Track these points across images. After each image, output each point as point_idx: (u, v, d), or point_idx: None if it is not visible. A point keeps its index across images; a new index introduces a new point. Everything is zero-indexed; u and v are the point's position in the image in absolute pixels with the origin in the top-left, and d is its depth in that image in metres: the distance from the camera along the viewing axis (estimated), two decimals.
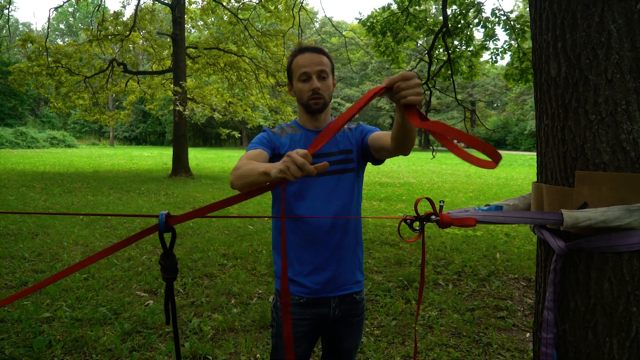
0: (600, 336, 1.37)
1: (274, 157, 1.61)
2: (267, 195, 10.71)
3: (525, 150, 42.96)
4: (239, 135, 17.38)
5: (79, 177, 13.98)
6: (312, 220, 1.57)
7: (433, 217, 1.39)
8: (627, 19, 1.29)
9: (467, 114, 7.22)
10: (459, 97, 8.30)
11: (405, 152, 1.46)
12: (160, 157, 27.20)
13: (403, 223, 1.48)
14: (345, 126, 1.73)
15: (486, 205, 1.56)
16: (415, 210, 1.41)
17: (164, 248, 1.50)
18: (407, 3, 7.31)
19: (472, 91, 47.70)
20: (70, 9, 53.94)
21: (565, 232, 1.41)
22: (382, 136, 1.57)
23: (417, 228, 1.42)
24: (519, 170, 21.93)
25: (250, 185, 1.27)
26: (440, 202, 1.42)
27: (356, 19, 8.37)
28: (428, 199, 1.43)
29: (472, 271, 4.68)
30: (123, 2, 16.76)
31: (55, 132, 41.17)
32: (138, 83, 17.09)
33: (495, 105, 57.63)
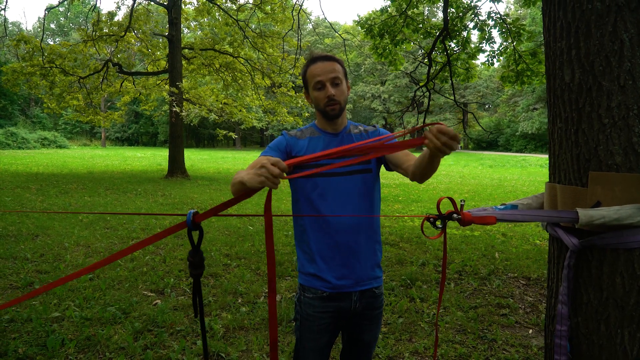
0: (612, 328, 1.45)
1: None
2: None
3: (517, 151, 43.34)
4: (236, 136, 17.40)
5: (74, 178, 13.91)
6: (334, 219, 1.64)
7: (455, 215, 1.46)
8: (639, 29, 1.37)
9: (465, 116, 7.31)
10: (449, 98, 8.40)
11: (421, 182, 1.57)
12: (154, 157, 27.10)
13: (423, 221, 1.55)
14: (362, 128, 1.80)
15: (502, 205, 1.64)
16: (438, 209, 1.48)
17: (192, 245, 1.56)
18: (405, 6, 7.40)
19: (465, 93, 48.03)
20: (61, 9, 53.57)
21: (577, 230, 1.49)
22: (401, 156, 1.65)
23: (440, 226, 1.49)
24: (511, 171, 22.14)
25: (237, 192, 1.40)
26: (461, 201, 1.49)
27: (354, 21, 8.45)
28: (450, 198, 1.50)
29: (473, 270, 4.77)
30: (117, 2, 16.68)
31: (47, 132, 40.81)
32: (133, 84, 17.04)
33: (487, 106, 58.09)
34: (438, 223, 1.50)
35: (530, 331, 3.30)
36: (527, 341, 3.12)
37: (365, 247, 1.70)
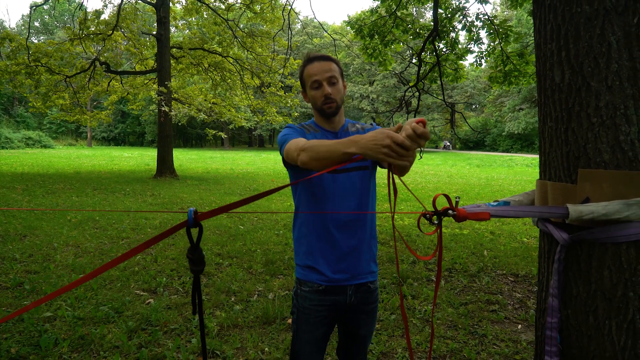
0: (600, 319, 1.50)
1: None
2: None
3: (503, 151, 43.87)
4: (225, 136, 17.35)
5: (60, 178, 13.74)
6: (332, 214, 1.68)
7: (450, 211, 1.50)
8: (626, 31, 1.42)
9: (453, 116, 7.41)
10: (439, 98, 8.58)
11: (400, 175, 1.59)
12: (141, 157, 26.87)
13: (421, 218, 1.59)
14: (359, 126, 1.84)
15: (495, 201, 1.69)
16: (434, 205, 1.52)
17: (191, 243, 1.58)
18: (394, 7, 7.47)
19: (452, 93, 48.45)
20: (45, 7, 52.77)
21: (567, 225, 1.54)
22: None
23: (436, 222, 1.53)
24: (498, 170, 22.41)
25: (329, 164, 1.35)
26: (456, 198, 1.53)
27: (344, 21, 8.50)
28: (445, 195, 1.54)
29: (462, 268, 4.84)
30: (104, 0, 16.49)
31: (31, 132, 40.22)
32: (121, 83, 16.88)
33: (474, 107, 58.68)
34: (434, 219, 1.54)
35: (519, 326, 3.37)
36: (516, 336, 3.20)
37: (362, 242, 1.74)
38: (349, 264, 1.71)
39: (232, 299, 3.84)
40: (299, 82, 1.81)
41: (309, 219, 1.72)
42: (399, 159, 1.20)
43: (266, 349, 2.93)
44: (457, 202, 1.52)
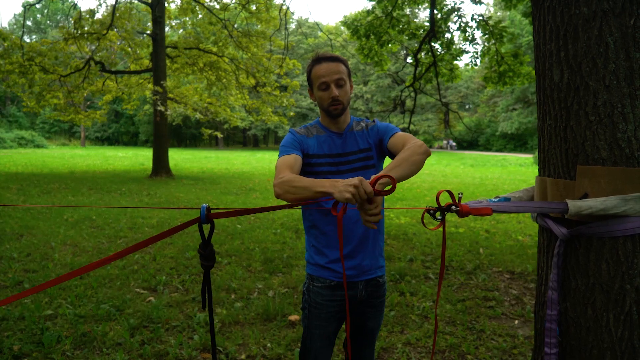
0: (598, 311, 1.55)
1: (304, 157, 1.73)
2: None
3: (497, 150, 44.11)
4: (222, 135, 17.35)
5: (55, 177, 13.69)
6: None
7: (453, 207, 1.54)
8: (623, 32, 1.47)
9: (447, 115, 7.48)
10: (435, 98, 8.65)
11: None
12: (135, 157, 26.77)
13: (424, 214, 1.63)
14: (364, 125, 1.87)
15: (495, 197, 1.73)
16: (437, 201, 1.56)
17: (202, 238, 1.62)
18: (390, 8, 7.52)
19: (446, 93, 48.62)
20: (38, 6, 52.39)
21: (566, 220, 1.59)
22: (399, 145, 1.72)
23: (439, 217, 1.57)
24: (492, 170, 22.55)
25: (303, 200, 1.43)
26: (459, 194, 1.58)
27: (341, 21, 8.54)
28: (448, 191, 1.58)
29: (459, 265, 4.90)
30: (99, 0, 16.45)
31: (24, 131, 39.95)
32: (116, 82, 16.82)
33: (467, 107, 58.94)
34: (437, 215, 1.58)
35: (516, 322, 3.43)
36: (513, 331, 3.25)
37: (371, 239, 1.77)
38: (360, 260, 1.75)
39: (233, 296, 3.87)
40: (294, 81, 1.85)
41: (319, 217, 1.75)
42: (359, 201, 1.29)
43: (268, 344, 2.96)
44: (459, 198, 1.56)
